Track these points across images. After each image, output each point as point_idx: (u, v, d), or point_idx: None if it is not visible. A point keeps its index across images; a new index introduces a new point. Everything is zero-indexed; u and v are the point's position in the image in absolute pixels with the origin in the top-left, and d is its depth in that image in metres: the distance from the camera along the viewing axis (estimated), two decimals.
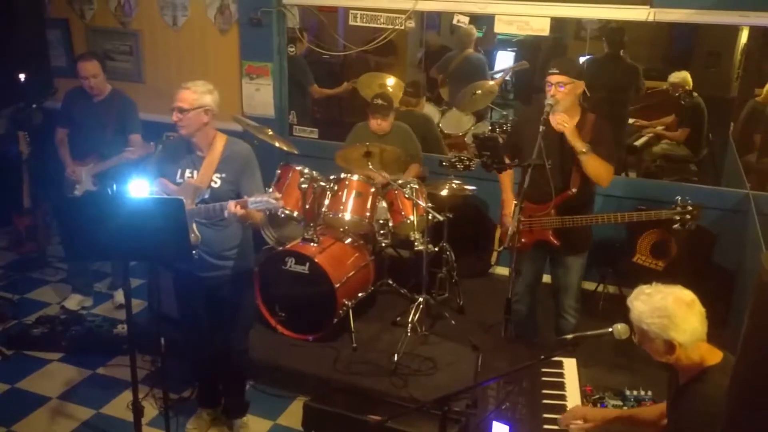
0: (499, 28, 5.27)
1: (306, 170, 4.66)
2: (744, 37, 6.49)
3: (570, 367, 3.12)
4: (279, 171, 4.76)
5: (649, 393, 3.74)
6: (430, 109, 6.44)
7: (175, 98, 3.31)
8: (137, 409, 3.25)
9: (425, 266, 4.51)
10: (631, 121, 6.57)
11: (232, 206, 3.19)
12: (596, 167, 3.55)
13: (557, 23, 6.00)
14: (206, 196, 3.35)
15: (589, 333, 2.54)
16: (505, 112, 6.95)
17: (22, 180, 5.75)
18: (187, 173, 3.41)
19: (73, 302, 5.11)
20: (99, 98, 4.77)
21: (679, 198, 3.47)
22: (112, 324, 4.74)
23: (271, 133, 4.80)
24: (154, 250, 3.04)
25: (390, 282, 4.98)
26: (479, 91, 6.04)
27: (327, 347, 4.43)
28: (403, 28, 5.36)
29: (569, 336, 2.65)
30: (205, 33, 5.87)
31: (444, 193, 4.71)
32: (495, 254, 4.23)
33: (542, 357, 2.84)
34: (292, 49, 5.84)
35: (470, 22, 5.90)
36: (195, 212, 3.31)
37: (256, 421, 3.95)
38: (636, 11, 4.67)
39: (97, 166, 4.79)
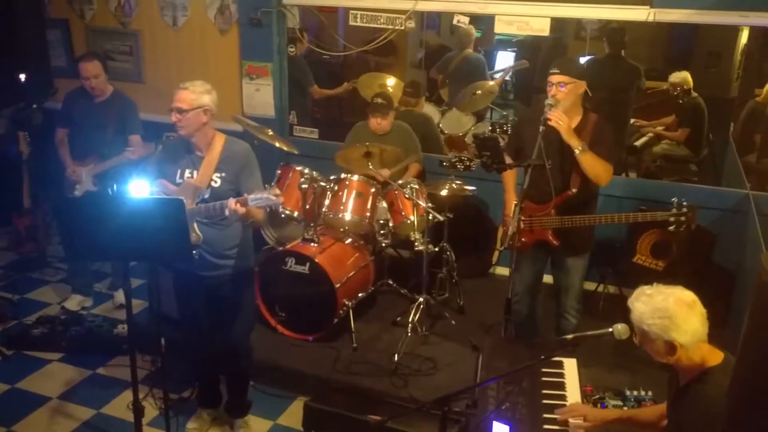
0: (499, 28, 5.27)
1: (306, 170, 4.66)
2: (744, 37, 6.49)
3: (570, 367, 3.11)
4: (279, 171, 4.76)
5: (650, 393, 3.74)
6: (430, 109, 6.44)
7: (173, 99, 3.32)
8: (137, 409, 3.25)
9: (425, 266, 4.51)
10: (631, 121, 6.57)
11: (232, 204, 3.19)
12: (593, 166, 3.55)
13: (557, 23, 6.00)
14: (206, 196, 3.36)
15: (589, 333, 2.54)
16: (505, 112, 6.95)
17: (22, 180, 5.76)
18: (187, 173, 3.41)
19: (74, 303, 5.12)
20: (100, 99, 4.77)
21: (675, 200, 3.47)
22: (113, 324, 4.74)
23: (271, 133, 4.80)
24: (155, 251, 3.04)
25: (390, 282, 4.98)
26: (479, 92, 6.04)
27: (327, 347, 4.43)
28: (403, 28, 5.36)
29: (569, 336, 2.65)
30: (205, 33, 5.87)
31: (444, 193, 4.71)
32: (496, 254, 4.23)
33: (542, 357, 2.84)
34: (292, 50, 5.84)
35: (470, 23, 5.91)
36: (195, 212, 3.32)
37: (257, 421, 3.95)
38: (636, 11, 4.67)
39: (97, 166, 4.79)
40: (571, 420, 2.71)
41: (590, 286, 4.87)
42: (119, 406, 4.04)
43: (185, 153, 3.45)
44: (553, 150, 3.54)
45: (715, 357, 2.36)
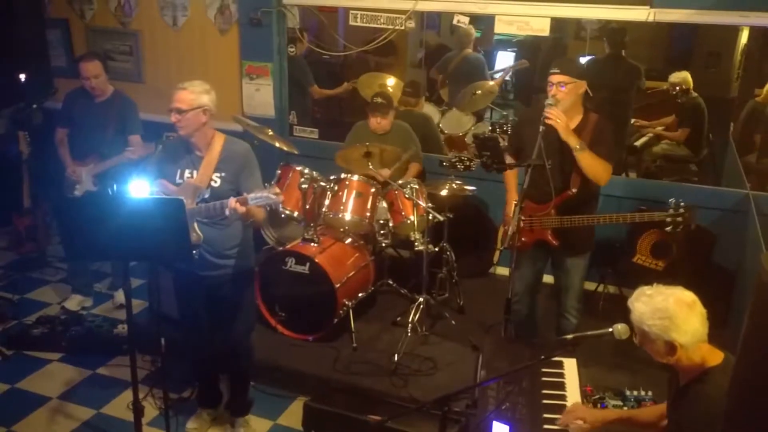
0: (500, 28, 5.27)
1: (306, 170, 4.66)
2: (744, 37, 6.49)
3: (570, 367, 3.11)
4: (279, 171, 4.76)
5: (650, 393, 3.74)
6: (429, 109, 6.44)
7: (172, 99, 3.32)
8: (137, 409, 3.25)
9: (425, 266, 4.51)
10: (631, 120, 6.57)
11: (232, 203, 3.19)
12: (591, 165, 3.55)
13: (557, 23, 6.00)
14: (206, 196, 3.36)
15: (589, 333, 2.54)
16: (505, 112, 6.95)
17: (22, 180, 5.76)
18: (187, 173, 3.41)
19: (74, 303, 5.12)
20: (101, 99, 4.77)
21: (672, 200, 3.46)
22: (112, 324, 4.74)
23: (271, 133, 4.80)
24: (155, 251, 3.04)
25: (390, 282, 4.97)
26: (479, 91, 6.04)
27: (327, 347, 4.43)
28: (403, 28, 5.36)
29: (569, 336, 2.65)
30: (205, 33, 5.87)
31: (444, 193, 4.71)
32: (497, 253, 4.23)
33: (542, 357, 2.84)
34: (292, 49, 5.84)
35: (470, 23, 5.91)
36: (196, 211, 3.32)
37: (257, 421, 3.95)
38: (636, 11, 4.67)
39: (97, 166, 4.79)
40: (571, 422, 2.71)
41: (590, 286, 4.87)
42: (119, 406, 4.04)
43: (185, 153, 3.45)
44: (553, 150, 3.54)
45: (715, 357, 2.36)
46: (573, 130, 3.58)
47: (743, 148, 5.67)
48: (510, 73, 7.16)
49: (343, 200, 4.57)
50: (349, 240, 4.80)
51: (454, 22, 5.59)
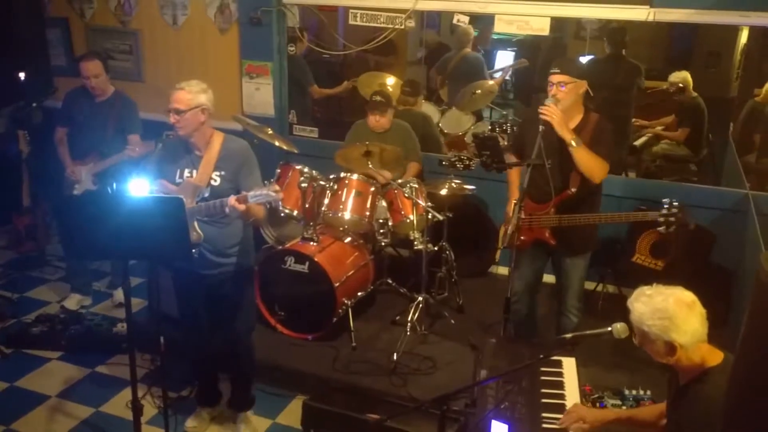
0: (500, 27, 5.27)
1: (306, 169, 4.66)
2: (744, 37, 6.48)
3: (569, 366, 3.12)
4: (279, 170, 4.76)
5: (648, 392, 3.74)
6: (429, 109, 6.44)
7: (170, 100, 3.32)
8: (136, 408, 3.25)
9: (425, 265, 4.51)
10: (632, 120, 6.56)
11: (232, 201, 3.19)
12: (586, 160, 3.54)
13: (557, 23, 5.99)
14: (206, 195, 3.36)
15: (588, 332, 2.55)
16: (504, 112, 6.95)
17: (21, 179, 5.76)
18: (186, 173, 3.41)
19: (73, 302, 5.11)
20: (101, 98, 4.76)
21: (666, 200, 3.46)
22: (112, 323, 4.75)
23: (270, 132, 4.80)
24: (154, 249, 3.04)
25: (389, 281, 4.97)
26: (479, 91, 6.04)
27: (326, 346, 4.43)
28: (403, 27, 5.36)
29: (568, 335, 2.66)
30: (205, 32, 5.87)
31: (444, 192, 4.70)
32: (498, 252, 4.23)
33: (541, 356, 2.84)
34: (292, 49, 5.84)
35: (470, 22, 5.90)
36: (196, 210, 3.32)
37: (256, 420, 3.95)
38: (636, 11, 4.67)
39: (96, 165, 4.78)
40: (572, 425, 2.71)
41: (589, 285, 4.87)
42: (118, 405, 4.05)
43: (184, 153, 3.45)
44: (552, 150, 3.54)
45: (714, 357, 2.36)
46: (573, 129, 3.58)
47: (743, 147, 5.67)
48: (510, 73, 7.15)
49: (343, 199, 4.57)
50: (348, 239, 4.80)
51: (454, 21, 5.58)
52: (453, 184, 4.76)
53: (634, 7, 4.67)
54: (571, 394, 2.95)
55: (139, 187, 3.29)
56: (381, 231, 4.70)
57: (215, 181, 3.38)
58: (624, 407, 3.63)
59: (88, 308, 5.12)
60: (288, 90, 5.90)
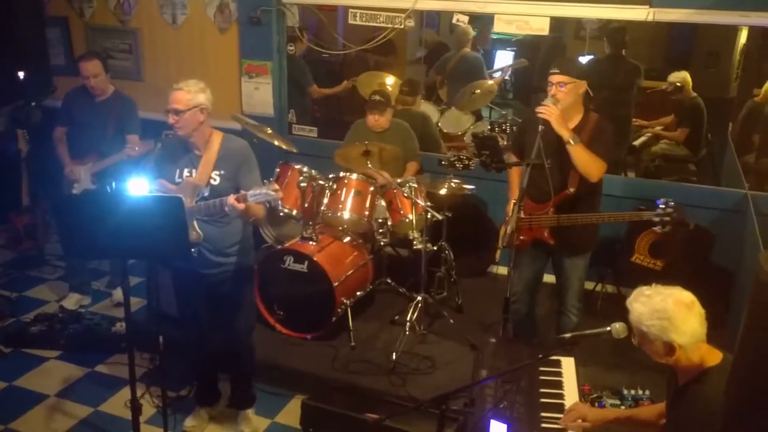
0: (499, 27, 5.27)
1: (305, 169, 4.66)
2: (743, 37, 6.49)
3: (568, 366, 3.12)
4: (278, 169, 4.76)
5: (647, 392, 3.74)
6: (428, 108, 6.44)
7: (169, 100, 3.31)
8: (135, 407, 3.25)
9: (424, 265, 4.51)
10: (632, 120, 6.56)
11: (231, 200, 3.19)
12: (583, 158, 3.54)
13: (557, 23, 5.99)
14: (206, 194, 3.36)
15: (587, 332, 2.55)
16: (504, 111, 6.95)
17: (21, 178, 5.76)
18: (186, 172, 3.42)
19: (72, 302, 5.11)
20: (101, 98, 4.76)
21: (662, 200, 3.46)
22: (111, 322, 4.74)
23: (270, 131, 4.81)
24: (153, 249, 3.04)
25: (389, 281, 4.97)
26: (478, 90, 6.04)
27: (325, 346, 4.43)
28: (402, 27, 5.35)
29: (567, 335, 2.66)
30: (204, 31, 5.87)
31: (443, 192, 4.70)
32: (498, 252, 4.23)
33: (540, 356, 2.84)
34: (291, 48, 5.84)
35: (469, 22, 5.90)
36: (195, 210, 3.32)
37: (255, 420, 3.95)
38: (636, 11, 4.67)
39: (96, 164, 4.78)
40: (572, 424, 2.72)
41: (588, 285, 4.86)
42: (117, 404, 4.04)
43: (183, 152, 3.45)
44: (552, 149, 3.55)
45: (713, 357, 2.36)
46: (573, 129, 3.59)
47: (742, 148, 5.68)
48: (509, 73, 7.15)
49: (342, 199, 4.57)
50: (347, 238, 4.80)
51: (454, 21, 5.58)
52: (452, 184, 4.76)
53: (633, 7, 4.67)
54: (570, 394, 2.95)
55: (139, 187, 3.29)
56: (380, 230, 4.70)
57: (215, 180, 3.38)
58: (623, 407, 3.63)
59: (87, 307, 5.12)
60: (287, 89, 5.90)
